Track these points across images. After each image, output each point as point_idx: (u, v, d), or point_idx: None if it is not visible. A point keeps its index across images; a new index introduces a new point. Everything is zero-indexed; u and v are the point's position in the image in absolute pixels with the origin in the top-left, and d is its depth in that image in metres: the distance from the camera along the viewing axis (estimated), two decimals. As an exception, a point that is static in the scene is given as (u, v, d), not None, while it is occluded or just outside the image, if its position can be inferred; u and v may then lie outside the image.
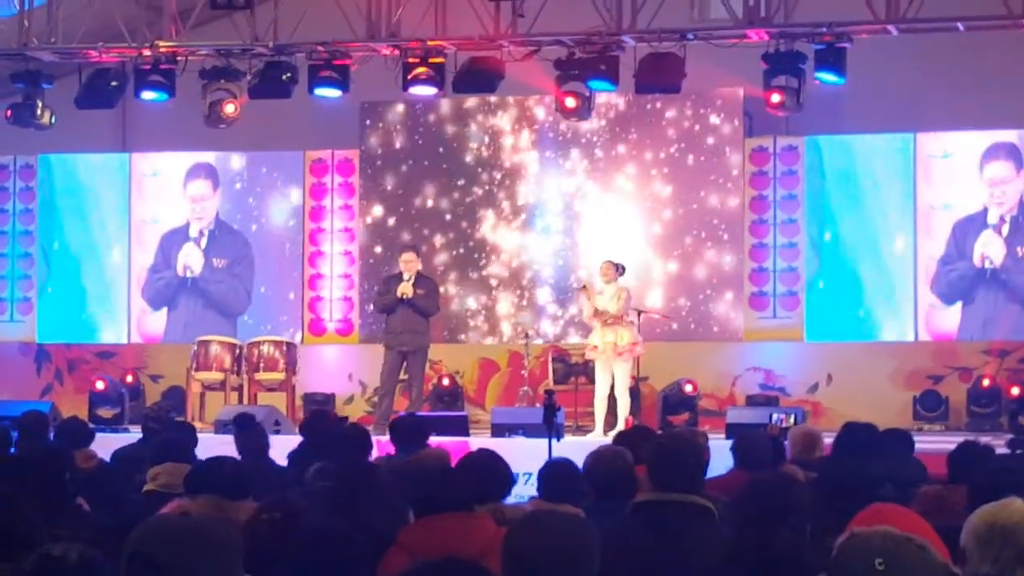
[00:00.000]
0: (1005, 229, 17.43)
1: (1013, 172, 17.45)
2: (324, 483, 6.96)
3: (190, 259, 19.32)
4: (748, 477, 6.88)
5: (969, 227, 17.49)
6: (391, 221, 18.72)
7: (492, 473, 6.64)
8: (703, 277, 18.01)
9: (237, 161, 19.24)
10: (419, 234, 18.49)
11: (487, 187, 18.57)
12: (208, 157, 19.24)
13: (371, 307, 17.80)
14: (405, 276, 16.00)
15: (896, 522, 4.19)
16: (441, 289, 17.17)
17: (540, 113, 18.43)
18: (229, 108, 16.27)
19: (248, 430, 9.98)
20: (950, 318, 17.54)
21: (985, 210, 17.49)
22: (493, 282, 18.54)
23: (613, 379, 15.36)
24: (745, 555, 4.64)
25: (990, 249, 17.42)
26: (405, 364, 16.01)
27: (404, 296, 15.85)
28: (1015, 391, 16.28)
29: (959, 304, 17.45)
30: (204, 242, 19.31)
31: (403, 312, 15.89)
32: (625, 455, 6.94)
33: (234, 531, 3.97)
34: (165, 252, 19.35)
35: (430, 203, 18.67)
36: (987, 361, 17.35)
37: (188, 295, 19.28)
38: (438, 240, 18.60)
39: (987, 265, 17.43)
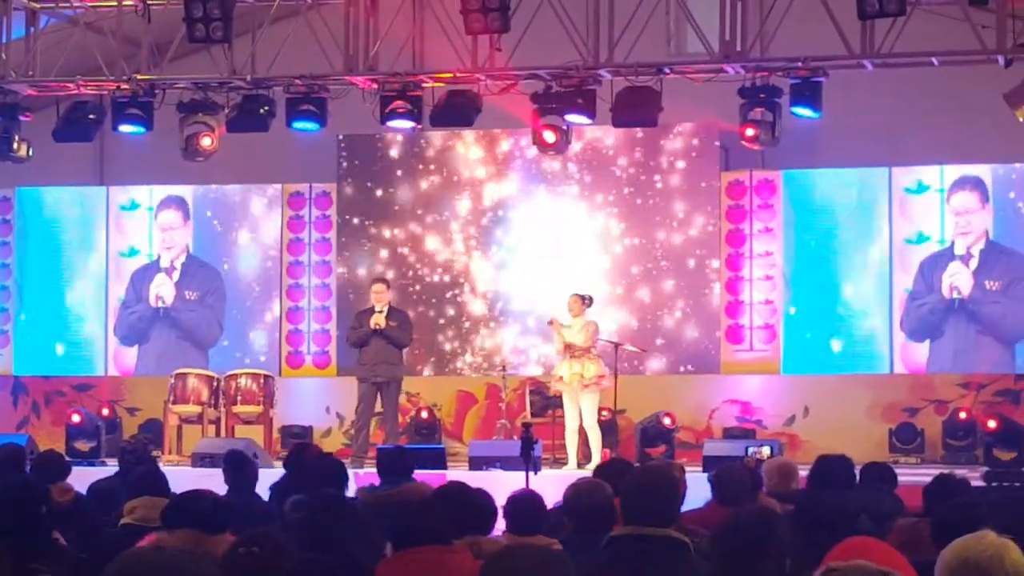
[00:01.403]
0: (973, 263, 17.49)
1: (978, 203, 17.52)
2: (300, 516, 6.95)
3: (162, 290, 19.28)
4: (725, 510, 6.89)
5: (936, 261, 17.57)
6: (366, 251, 18.73)
7: (469, 506, 6.65)
8: (679, 309, 18.04)
9: (213, 193, 19.24)
10: (389, 265, 18.51)
11: (457, 221, 18.58)
12: (185, 190, 19.23)
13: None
14: (377, 308, 16.03)
15: (872, 556, 4.21)
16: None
17: (505, 146, 18.48)
18: (206, 141, 16.23)
19: (241, 467, 9.85)
20: (924, 351, 17.61)
21: (952, 242, 17.57)
22: (464, 317, 18.54)
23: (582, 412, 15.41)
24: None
25: (958, 279, 17.50)
26: (380, 396, 16.00)
27: (377, 327, 15.86)
28: (991, 424, 16.28)
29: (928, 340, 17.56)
30: (176, 275, 19.29)
31: (376, 344, 15.90)
32: (604, 488, 6.93)
33: (210, 565, 3.97)
34: (136, 286, 19.32)
35: (400, 234, 18.68)
36: (963, 394, 17.39)
37: (161, 326, 19.24)
38: (407, 273, 18.60)
39: (955, 296, 17.50)
